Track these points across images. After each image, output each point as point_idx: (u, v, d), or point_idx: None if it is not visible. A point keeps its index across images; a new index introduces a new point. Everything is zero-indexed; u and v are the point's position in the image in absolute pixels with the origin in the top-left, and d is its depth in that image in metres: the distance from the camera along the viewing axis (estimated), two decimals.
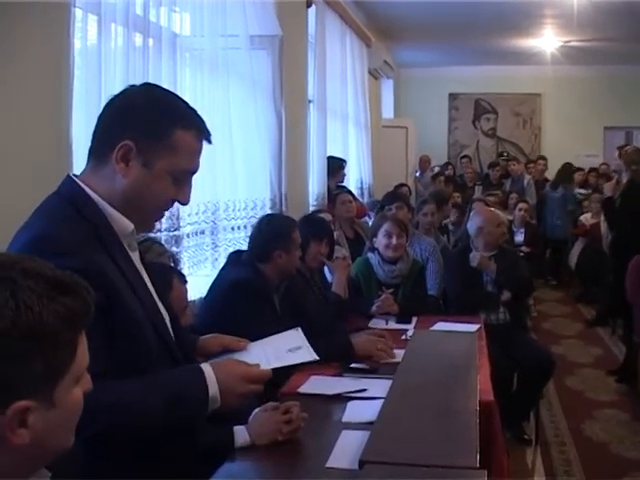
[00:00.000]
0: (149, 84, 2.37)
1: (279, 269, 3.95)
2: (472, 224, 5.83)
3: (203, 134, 2.17)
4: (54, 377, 1.31)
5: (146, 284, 2.19)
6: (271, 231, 3.99)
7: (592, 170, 13.12)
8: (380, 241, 5.27)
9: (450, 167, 13.66)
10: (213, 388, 2.10)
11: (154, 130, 2.07)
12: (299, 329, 2.78)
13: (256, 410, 2.71)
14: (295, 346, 2.67)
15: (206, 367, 2.14)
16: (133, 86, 2.19)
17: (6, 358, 1.24)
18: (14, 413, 1.26)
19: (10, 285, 1.26)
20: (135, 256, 2.19)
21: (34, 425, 1.27)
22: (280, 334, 2.75)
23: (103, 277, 1.96)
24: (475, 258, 5.55)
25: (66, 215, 2.01)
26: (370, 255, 5.38)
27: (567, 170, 12.04)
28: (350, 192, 7.55)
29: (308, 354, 2.66)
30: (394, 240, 5.20)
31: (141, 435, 2.02)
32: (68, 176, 2.11)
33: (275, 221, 4.13)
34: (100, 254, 1.99)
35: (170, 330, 2.22)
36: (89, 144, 2.13)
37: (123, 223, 2.10)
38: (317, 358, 2.66)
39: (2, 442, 1.26)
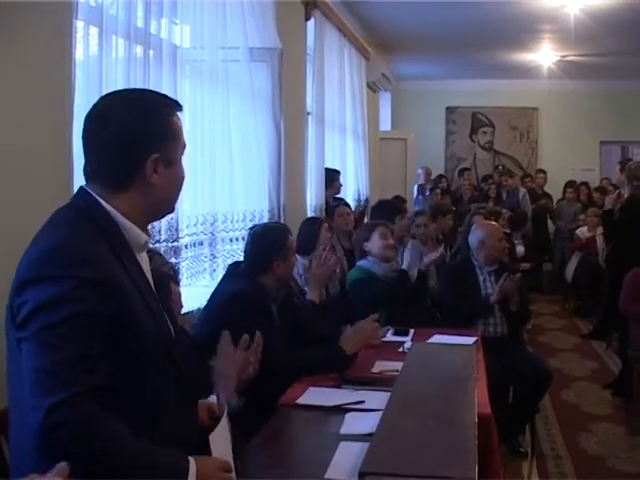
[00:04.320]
0: (117, 95, 2.29)
1: (278, 278, 3.96)
2: (474, 237, 5.82)
3: (179, 108, 2.24)
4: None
5: (156, 295, 2.22)
6: (267, 242, 3.99)
7: (583, 184, 13.17)
8: (376, 243, 5.48)
9: (444, 180, 13.65)
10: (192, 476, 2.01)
11: (162, 130, 2.14)
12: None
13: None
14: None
15: (191, 460, 2.04)
16: (106, 106, 2.14)
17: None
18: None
19: None
20: (146, 266, 2.21)
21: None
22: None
23: (118, 288, 1.99)
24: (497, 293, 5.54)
25: (81, 225, 2.03)
26: (361, 262, 5.55)
27: None
28: (347, 204, 7.58)
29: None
30: (390, 240, 5.52)
31: None
32: (82, 188, 2.13)
33: (269, 232, 4.12)
34: (115, 265, 2.02)
35: (175, 342, 2.23)
36: (88, 169, 2.14)
37: (137, 234, 2.14)
38: None
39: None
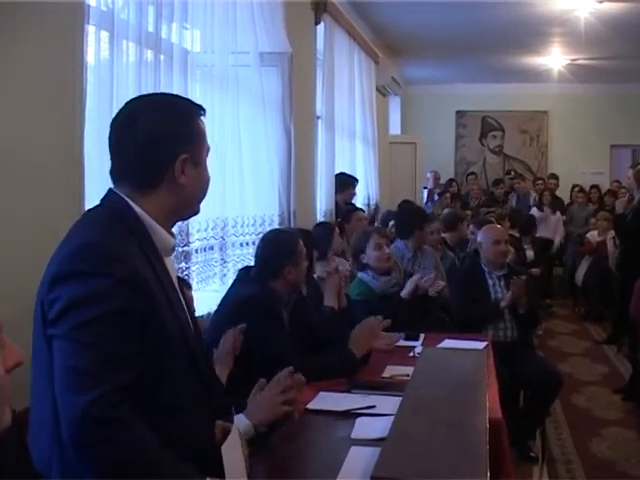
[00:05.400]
0: (143, 99, 2.38)
1: (289, 284, 3.96)
2: (478, 241, 5.86)
3: (203, 112, 2.29)
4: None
5: (181, 299, 2.25)
6: (277, 248, 3.98)
7: (593, 187, 13.12)
8: (371, 255, 5.21)
9: (454, 184, 13.64)
10: None
11: (189, 131, 2.20)
12: None
13: (253, 391, 2.72)
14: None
15: None
16: (133, 110, 2.19)
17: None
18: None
19: None
20: (172, 270, 2.25)
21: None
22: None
23: (147, 289, 2.01)
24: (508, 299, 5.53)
25: (113, 226, 2.06)
26: (361, 274, 5.31)
27: None
28: (362, 210, 7.57)
29: None
30: (386, 250, 5.21)
31: None
32: (112, 191, 2.16)
33: (279, 237, 4.12)
34: (145, 267, 2.04)
35: (199, 347, 2.24)
36: (115, 171, 2.18)
37: (165, 238, 2.18)
38: None
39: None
